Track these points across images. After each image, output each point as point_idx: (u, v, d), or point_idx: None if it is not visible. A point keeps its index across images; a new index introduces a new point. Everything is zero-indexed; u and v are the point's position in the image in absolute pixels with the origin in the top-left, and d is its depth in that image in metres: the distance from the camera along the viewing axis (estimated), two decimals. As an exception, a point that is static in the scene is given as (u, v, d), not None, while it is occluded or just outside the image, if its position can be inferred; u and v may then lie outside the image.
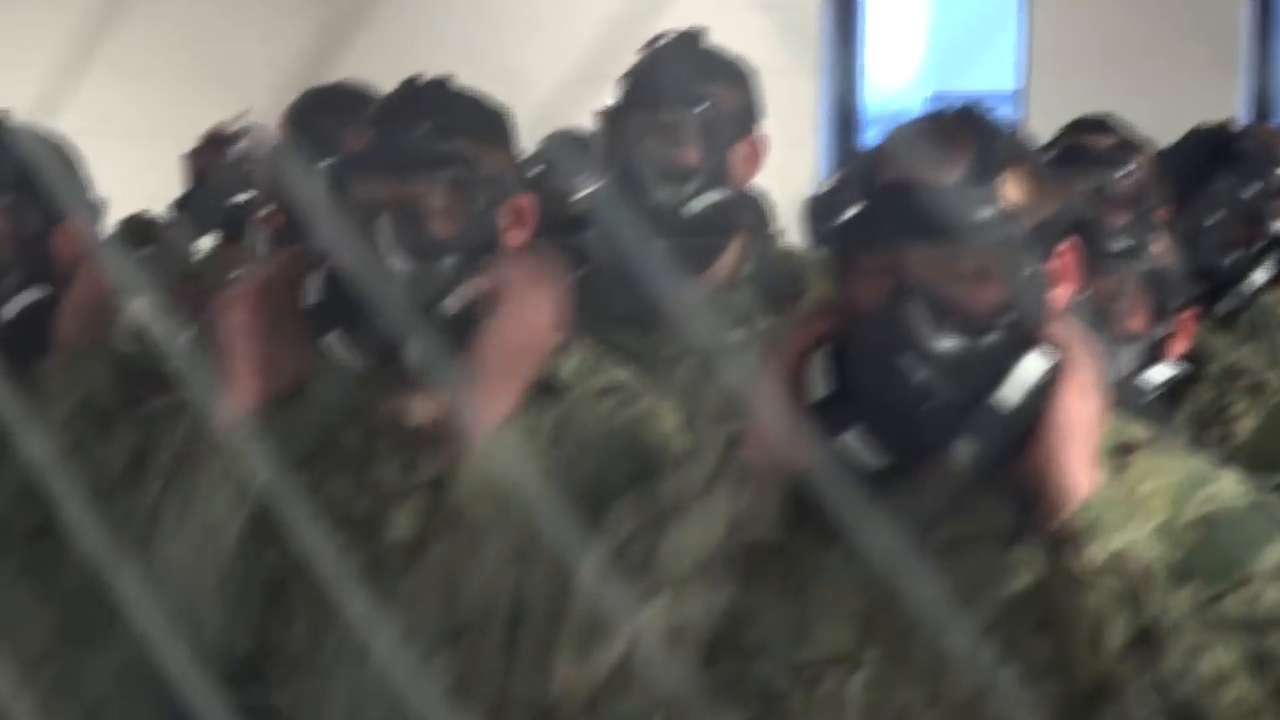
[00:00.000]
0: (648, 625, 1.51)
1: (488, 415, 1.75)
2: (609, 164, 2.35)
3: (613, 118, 2.37)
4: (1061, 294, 1.50)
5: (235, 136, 4.27)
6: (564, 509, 1.71)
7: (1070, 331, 1.47)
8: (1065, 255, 1.50)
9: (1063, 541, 1.40)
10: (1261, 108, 5.26)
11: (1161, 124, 3.07)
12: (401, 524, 1.79)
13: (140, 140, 4.76)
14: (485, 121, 1.82)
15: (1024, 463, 1.44)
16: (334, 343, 1.75)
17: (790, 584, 1.50)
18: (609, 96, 2.40)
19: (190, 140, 4.15)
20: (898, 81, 7.09)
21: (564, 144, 3.20)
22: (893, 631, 1.46)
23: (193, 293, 4.20)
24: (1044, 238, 1.47)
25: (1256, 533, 1.45)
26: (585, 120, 3.14)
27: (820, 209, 3.98)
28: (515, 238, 1.81)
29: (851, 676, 1.47)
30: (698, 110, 2.32)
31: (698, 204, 2.31)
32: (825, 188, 4.09)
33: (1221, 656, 1.37)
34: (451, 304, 1.75)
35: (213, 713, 1.75)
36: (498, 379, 1.76)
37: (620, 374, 1.83)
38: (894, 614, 1.47)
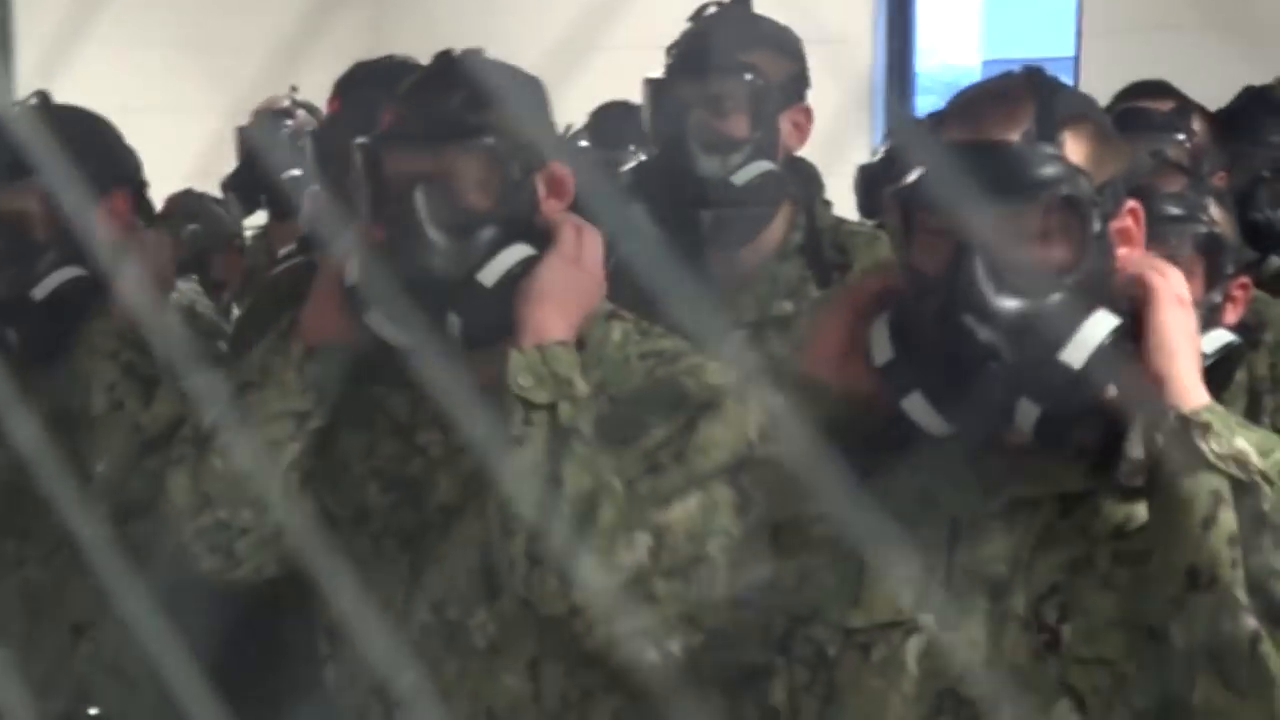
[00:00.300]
0: (674, 524, 1.53)
1: (545, 333, 1.74)
2: (656, 135, 2.35)
3: (659, 88, 2.36)
4: (1128, 255, 1.50)
5: (286, 112, 4.29)
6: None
7: (1150, 259, 1.47)
8: (1129, 217, 1.50)
9: (1190, 428, 1.40)
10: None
11: (1216, 89, 3.02)
12: (445, 488, 1.80)
13: (181, 117, 4.79)
14: (518, 93, 1.81)
15: (1134, 377, 1.44)
16: (375, 319, 1.76)
17: (841, 547, 1.50)
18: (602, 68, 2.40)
19: (224, 117, 4.17)
20: (954, 49, 7.04)
21: (613, 115, 3.20)
22: (948, 596, 1.46)
23: (240, 268, 4.24)
24: (1109, 198, 1.46)
25: None
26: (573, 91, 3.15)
27: (873, 177, 3.97)
28: (552, 207, 1.81)
29: (907, 642, 1.47)
30: (745, 80, 2.30)
31: (745, 174, 2.30)
32: (878, 155, 4.07)
33: None
34: (489, 275, 1.75)
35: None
36: (557, 303, 1.76)
37: (667, 341, 1.83)
38: (950, 579, 1.47)
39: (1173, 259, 2.08)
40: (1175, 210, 2.12)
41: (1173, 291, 1.45)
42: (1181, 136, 2.64)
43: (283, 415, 1.83)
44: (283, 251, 3.31)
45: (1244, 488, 1.38)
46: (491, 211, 1.76)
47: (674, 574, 1.55)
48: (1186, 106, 2.88)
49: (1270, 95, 2.95)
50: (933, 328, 1.43)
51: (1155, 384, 1.42)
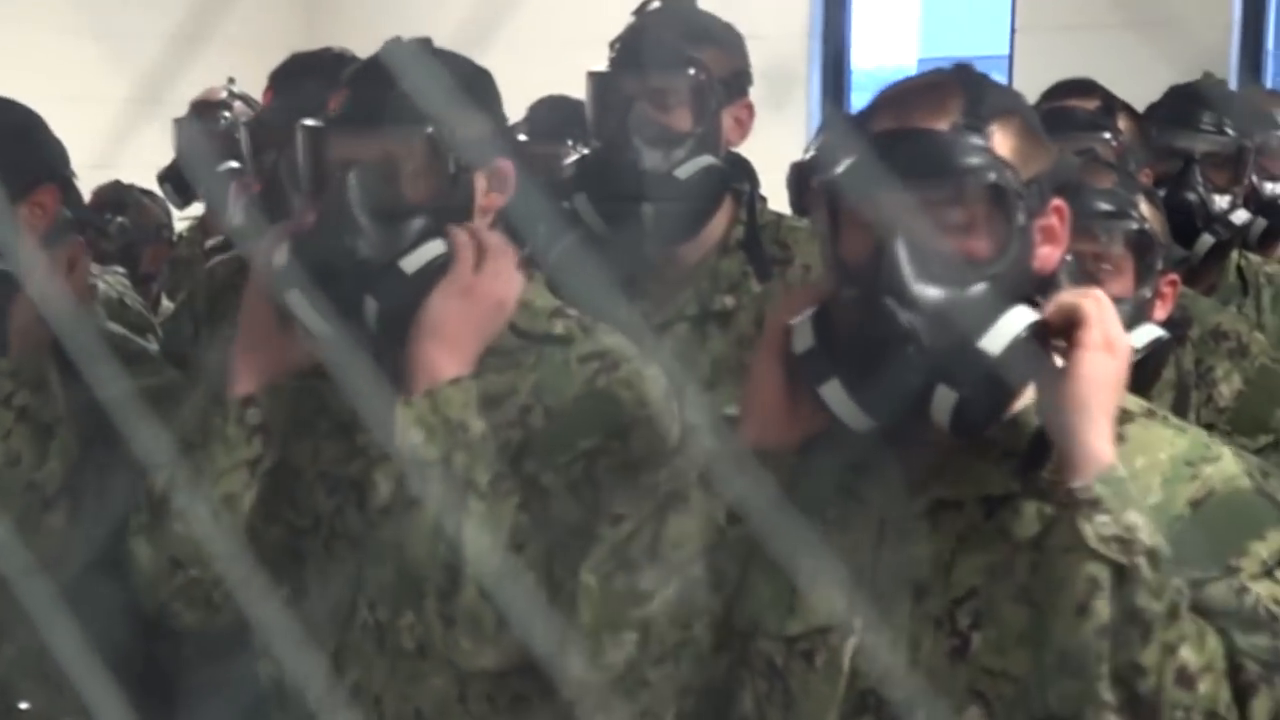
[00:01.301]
0: (657, 617, 1.51)
1: (437, 374, 1.73)
2: (599, 128, 2.35)
3: (602, 81, 2.36)
4: (1050, 253, 1.50)
5: (224, 104, 4.26)
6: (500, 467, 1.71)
7: (1084, 292, 1.44)
8: (1054, 215, 1.50)
9: (1074, 507, 1.37)
10: (1250, 71, 5.26)
11: (1146, 88, 3.07)
12: (382, 488, 1.79)
13: (81, 105, 4.73)
14: (465, 83, 1.79)
15: (1044, 423, 1.42)
16: (297, 303, 1.73)
17: (778, 557, 1.51)
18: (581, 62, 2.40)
19: (123, 105, 4.13)
20: (890, 48, 7.08)
21: (553, 108, 3.20)
22: (873, 597, 1.47)
23: (169, 260, 4.21)
24: (1034, 193, 1.47)
25: (1247, 524, 1.45)
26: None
27: (806, 174, 3.98)
28: (494, 201, 1.80)
29: (845, 644, 1.48)
30: (688, 74, 2.31)
31: (688, 169, 2.30)
32: (811, 153, 4.09)
33: (1192, 657, 1.36)
34: (411, 263, 1.73)
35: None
36: (449, 340, 1.73)
37: (609, 340, 1.82)
38: (875, 580, 1.48)
39: (1103, 255, 2.12)
40: (1105, 206, 2.14)
41: (1105, 332, 1.41)
42: (1107, 134, 2.68)
43: (234, 468, 1.81)
44: (210, 243, 3.29)
45: (1123, 575, 1.35)
46: (424, 202, 1.75)
47: (663, 660, 1.53)
48: (1112, 104, 2.92)
49: (1199, 89, 2.99)
50: (853, 314, 1.43)
51: (1059, 436, 1.39)
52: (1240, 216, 2.89)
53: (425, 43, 1.83)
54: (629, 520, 1.55)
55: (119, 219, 4.13)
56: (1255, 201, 3.00)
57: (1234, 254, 2.97)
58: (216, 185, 3.82)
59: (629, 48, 2.36)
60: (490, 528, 1.69)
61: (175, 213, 4.28)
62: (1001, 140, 1.46)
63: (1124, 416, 1.49)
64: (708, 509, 1.51)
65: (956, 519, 1.47)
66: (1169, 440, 1.49)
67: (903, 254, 1.40)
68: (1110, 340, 1.41)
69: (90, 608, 1.98)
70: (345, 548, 1.81)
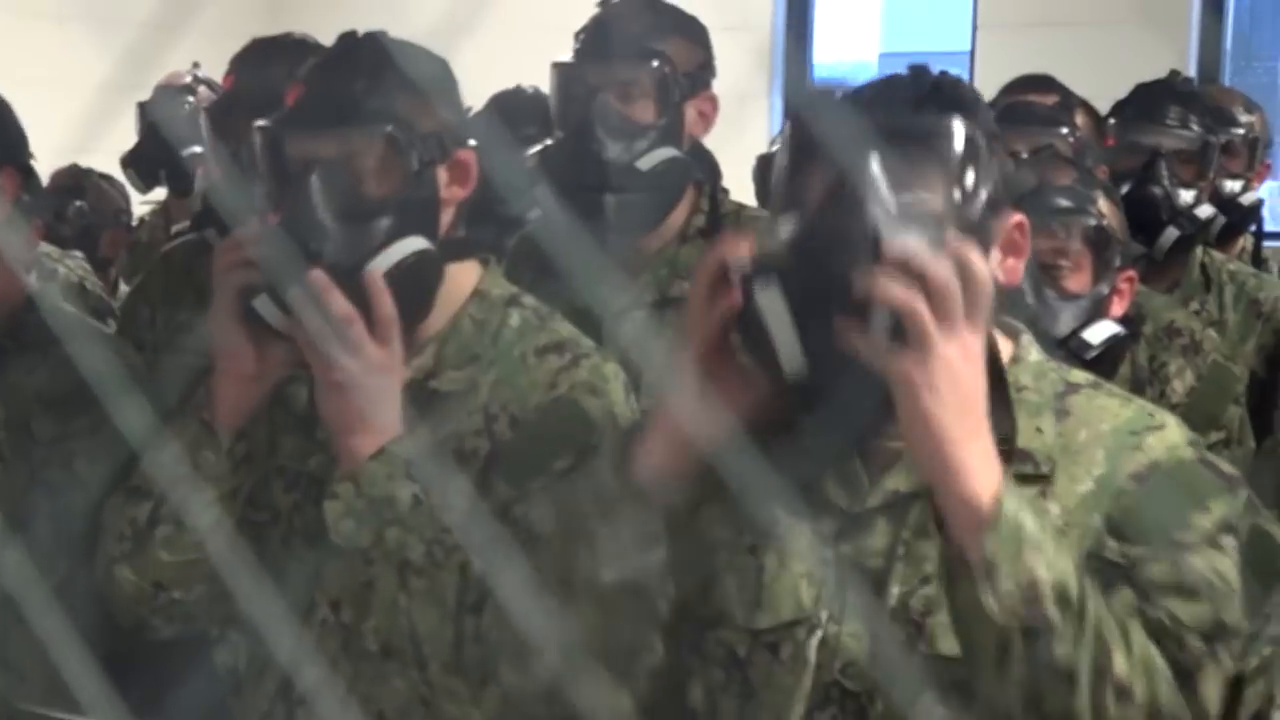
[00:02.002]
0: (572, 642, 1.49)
1: (357, 457, 1.71)
2: (562, 119, 2.35)
3: (567, 72, 2.36)
4: (1014, 266, 1.50)
5: (188, 88, 4.24)
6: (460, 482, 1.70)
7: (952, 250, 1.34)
8: (1015, 229, 1.50)
9: (968, 576, 1.32)
10: (1208, 70, 5.29)
11: (1107, 84, 3.09)
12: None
13: (56, 91, 4.70)
14: (423, 76, 1.77)
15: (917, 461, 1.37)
16: (261, 304, 1.71)
17: (739, 549, 1.51)
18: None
19: (100, 91, 4.11)
20: (852, 42, 7.09)
21: (513, 99, 3.20)
22: (835, 591, 1.48)
23: (130, 244, 4.19)
24: (990, 211, 1.46)
25: (1190, 496, 1.45)
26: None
27: (771, 166, 3.99)
28: (456, 194, 1.78)
29: (811, 638, 1.49)
30: (652, 66, 2.32)
31: (650, 160, 2.31)
32: (777, 145, 4.10)
33: (1123, 666, 1.35)
34: (380, 265, 1.70)
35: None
36: (356, 421, 1.71)
37: (565, 330, 1.81)
38: (837, 573, 1.48)
39: (1061, 251, 2.14)
40: (1064, 203, 2.16)
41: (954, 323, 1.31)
42: (1065, 130, 2.69)
43: (221, 498, 1.80)
44: (176, 228, 3.28)
45: (1033, 633, 1.31)
46: (388, 200, 1.72)
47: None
48: (1069, 101, 2.94)
49: (1166, 85, 3.01)
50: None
51: (930, 483, 1.34)
52: (1205, 211, 2.91)
53: (380, 34, 1.80)
54: (564, 461, 1.57)
55: (77, 203, 4.11)
56: (1216, 199, 3.03)
57: (1197, 251, 2.99)
58: (180, 170, 3.81)
59: (593, 39, 2.36)
60: (434, 602, 1.70)
61: (136, 197, 4.26)
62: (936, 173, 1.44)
63: (1069, 389, 1.49)
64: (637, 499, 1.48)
65: (912, 511, 1.48)
66: (1113, 411, 1.49)
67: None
68: (961, 336, 1.32)
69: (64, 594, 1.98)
70: (303, 544, 1.79)
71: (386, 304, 1.70)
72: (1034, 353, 1.53)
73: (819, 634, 1.48)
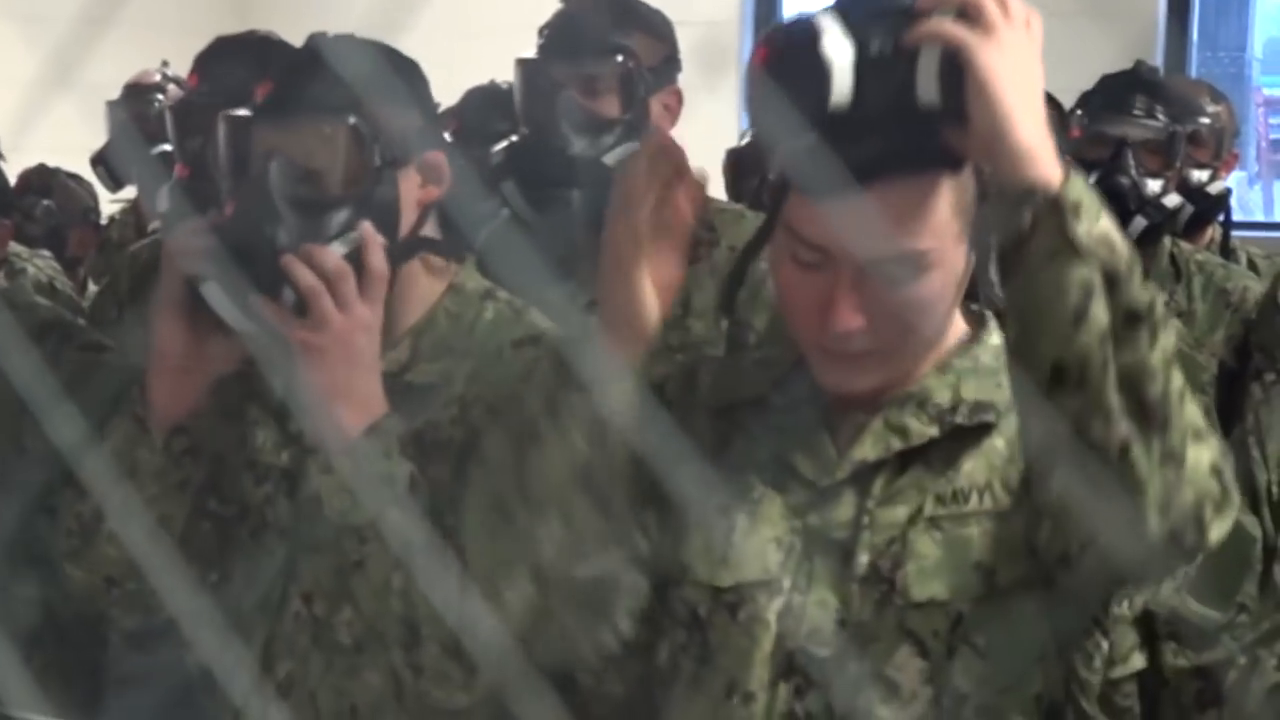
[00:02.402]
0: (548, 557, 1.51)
1: (347, 434, 1.69)
2: (527, 115, 2.35)
3: (531, 68, 2.36)
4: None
5: (157, 86, 4.22)
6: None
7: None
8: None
9: (1057, 211, 1.29)
10: (1174, 60, 5.32)
11: (1076, 77, 3.09)
12: (315, 476, 1.76)
13: (22, 89, 4.66)
14: (391, 75, 1.76)
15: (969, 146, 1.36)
16: (215, 296, 1.69)
17: (710, 508, 1.52)
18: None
19: (31, 89, 4.08)
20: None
21: (482, 96, 3.19)
22: (801, 560, 1.49)
23: (99, 243, 4.17)
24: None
25: None
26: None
27: (740, 161, 4.00)
28: (430, 193, 1.78)
29: (772, 602, 1.50)
30: (617, 61, 2.31)
31: (616, 155, 2.30)
32: (745, 139, 4.10)
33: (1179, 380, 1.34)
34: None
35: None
36: (342, 395, 1.69)
37: (540, 323, 1.82)
38: (805, 543, 1.50)
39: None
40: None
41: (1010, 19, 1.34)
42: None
43: (164, 493, 1.79)
44: (152, 226, 3.27)
45: (1116, 276, 1.30)
46: (346, 195, 1.72)
47: (573, 600, 1.53)
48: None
49: (1133, 75, 3.02)
50: None
51: (1003, 150, 1.31)
52: (1172, 201, 2.92)
53: (351, 37, 1.80)
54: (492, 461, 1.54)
55: (45, 202, 4.09)
56: (1183, 189, 3.04)
57: (1166, 241, 3.00)
58: (148, 169, 3.79)
59: (557, 34, 2.36)
60: (439, 579, 1.66)
61: (106, 195, 4.24)
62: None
63: None
64: (568, 440, 1.49)
65: (877, 480, 1.49)
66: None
67: None
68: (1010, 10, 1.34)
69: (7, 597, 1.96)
70: (275, 537, 1.79)
71: (378, 258, 1.70)
72: (996, 337, 1.55)
73: (780, 600, 1.49)
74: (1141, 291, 1.31)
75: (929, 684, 1.45)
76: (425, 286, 1.80)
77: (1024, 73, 1.34)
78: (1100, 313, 1.30)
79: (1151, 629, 2.13)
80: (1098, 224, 1.30)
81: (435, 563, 1.67)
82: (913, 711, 1.45)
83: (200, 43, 2.60)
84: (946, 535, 1.46)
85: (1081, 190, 1.31)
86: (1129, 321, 1.31)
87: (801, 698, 1.47)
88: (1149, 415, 1.31)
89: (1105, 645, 2.02)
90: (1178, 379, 1.33)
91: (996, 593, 1.45)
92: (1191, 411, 1.35)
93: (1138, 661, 2.12)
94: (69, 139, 4.02)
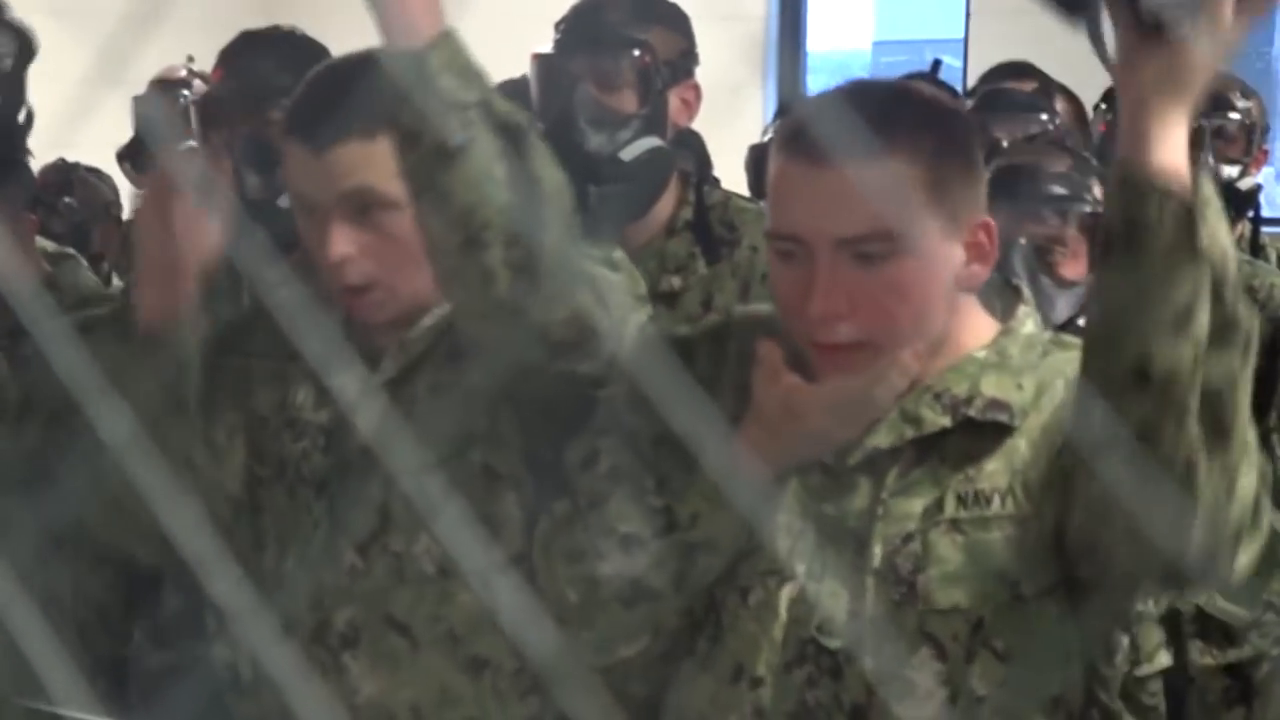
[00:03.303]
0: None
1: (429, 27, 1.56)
2: (544, 110, 2.34)
3: (548, 63, 2.35)
4: (979, 271, 1.51)
5: (183, 82, 4.23)
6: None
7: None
8: (982, 231, 1.50)
9: (1192, 208, 1.28)
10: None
11: (1104, 72, 3.07)
12: (363, 429, 1.78)
13: (70, 86, 4.69)
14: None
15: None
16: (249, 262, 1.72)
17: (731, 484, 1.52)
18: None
19: (80, 85, 4.09)
20: (846, 30, 7.07)
21: (510, 91, 3.19)
22: (815, 548, 1.49)
23: (122, 237, 4.18)
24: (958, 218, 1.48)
25: None
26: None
27: (765, 157, 3.97)
28: None
29: (782, 588, 1.50)
30: (634, 55, 2.31)
31: (633, 150, 2.30)
32: (770, 135, 4.08)
33: None
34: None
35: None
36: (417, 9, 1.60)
37: None
38: (819, 530, 1.50)
39: (1057, 238, 2.13)
40: (1059, 190, 2.15)
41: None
42: (1045, 116, 2.67)
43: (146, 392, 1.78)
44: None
45: (1224, 286, 1.29)
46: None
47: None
48: (1049, 87, 2.92)
49: None
50: None
51: (1141, 127, 1.30)
52: None
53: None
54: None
55: (66, 199, 4.09)
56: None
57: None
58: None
59: (574, 29, 2.36)
60: (552, 161, 1.61)
61: (131, 190, 4.25)
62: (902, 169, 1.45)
63: (1053, 347, 1.53)
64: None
65: (892, 467, 1.49)
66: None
67: None
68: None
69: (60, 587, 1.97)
70: (310, 494, 1.80)
71: None
72: (1029, 325, 1.55)
73: (790, 586, 1.49)
74: (1242, 307, 1.30)
75: (945, 685, 1.45)
76: None
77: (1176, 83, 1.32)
78: (1202, 320, 1.28)
79: (1178, 627, 2.12)
80: (1220, 229, 1.29)
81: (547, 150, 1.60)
82: (927, 711, 1.45)
83: (224, 38, 2.60)
84: (969, 539, 1.46)
85: (1211, 191, 1.29)
86: (1225, 335, 1.29)
87: (813, 687, 1.48)
88: (1222, 432, 1.30)
89: (1126, 641, 2.01)
90: (1248, 397, 1.32)
91: (1019, 600, 1.45)
92: (1251, 433, 1.34)
93: (1164, 659, 2.11)
94: (118, 136, 4.04)
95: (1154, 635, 2.09)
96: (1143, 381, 1.29)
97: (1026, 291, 1.59)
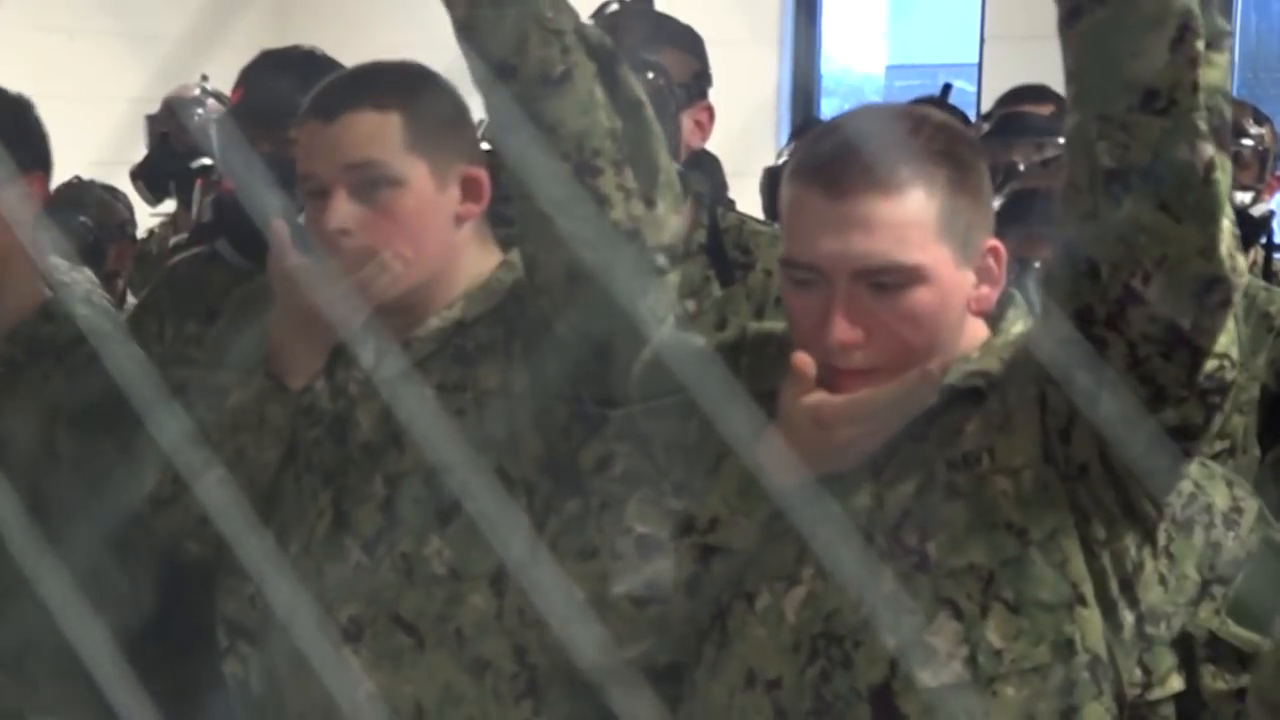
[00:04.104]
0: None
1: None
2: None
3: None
4: (988, 294, 1.53)
5: (197, 100, 4.25)
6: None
7: None
8: (990, 255, 1.52)
9: None
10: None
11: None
12: (366, 426, 1.81)
13: (88, 104, 4.72)
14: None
15: None
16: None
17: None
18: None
19: (132, 104, 4.13)
20: (859, 53, 7.09)
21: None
22: (824, 549, 1.51)
23: (136, 256, 4.19)
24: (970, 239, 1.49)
25: None
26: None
27: (779, 179, 3.98)
28: (470, 210, 1.81)
29: (789, 592, 1.52)
30: (647, 78, 2.31)
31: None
32: (784, 158, 4.09)
33: None
34: None
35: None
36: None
37: None
38: (825, 533, 1.51)
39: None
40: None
41: None
42: (1062, 140, 2.67)
43: (269, 449, 1.83)
44: (174, 240, 3.28)
45: (1209, 2, 1.33)
46: None
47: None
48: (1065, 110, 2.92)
49: None
50: None
51: None
52: None
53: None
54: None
55: (81, 217, 4.11)
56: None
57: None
58: (191, 182, 3.81)
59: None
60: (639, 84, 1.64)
61: (146, 209, 4.27)
62: (921, 191, 1.47)
63: None
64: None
65: (889, 465, 1.52)
66: None
67: None
68: None
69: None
70: (317, 482, 1.82)
71: None
72: (1019, 326, 1.57)
73: (797, 590, 1.51)
74: (1220, 16, 1.34)
75: (964, 644, 1.47)
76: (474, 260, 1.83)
77: None
78: (1196, 41, 1.32)
79: (1191, 651, 2.12)
80: None
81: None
82: (950, 671, 1.47)
83: (237, 58, 2.62)
84: (970, 500, 1.48)
85: None
86: (1214, 44, 1.33)
87: (828, 681, 1.49)
88: (1225, 136, 1.34)
89: (1139, 671, 2.02)
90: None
91: (1027, 548, 1.47)
92: None
93: (1176, 684, 2.11)
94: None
95: (1167, 659, 2.09)
96: (1150, 103, 1.33)
97: (1018, 296, 1.61)
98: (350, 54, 2.24)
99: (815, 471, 1.50)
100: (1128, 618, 1.51)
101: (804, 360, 1.48)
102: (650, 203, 1.64)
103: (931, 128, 1.51)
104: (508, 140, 1.61)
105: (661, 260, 1.65)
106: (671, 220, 1.66)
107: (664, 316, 1.66)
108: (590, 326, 1.66)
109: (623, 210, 1.62)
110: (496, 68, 1.58)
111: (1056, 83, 3.07)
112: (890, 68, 7.21)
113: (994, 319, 1.58)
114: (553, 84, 1.58)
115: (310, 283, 1.76)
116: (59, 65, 5.45)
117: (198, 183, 3.17)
